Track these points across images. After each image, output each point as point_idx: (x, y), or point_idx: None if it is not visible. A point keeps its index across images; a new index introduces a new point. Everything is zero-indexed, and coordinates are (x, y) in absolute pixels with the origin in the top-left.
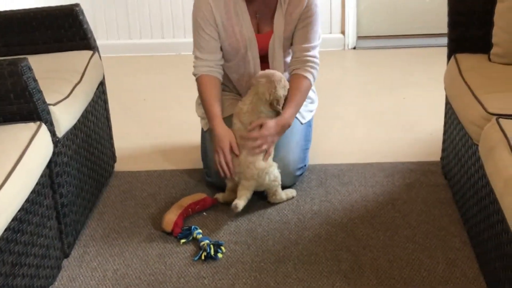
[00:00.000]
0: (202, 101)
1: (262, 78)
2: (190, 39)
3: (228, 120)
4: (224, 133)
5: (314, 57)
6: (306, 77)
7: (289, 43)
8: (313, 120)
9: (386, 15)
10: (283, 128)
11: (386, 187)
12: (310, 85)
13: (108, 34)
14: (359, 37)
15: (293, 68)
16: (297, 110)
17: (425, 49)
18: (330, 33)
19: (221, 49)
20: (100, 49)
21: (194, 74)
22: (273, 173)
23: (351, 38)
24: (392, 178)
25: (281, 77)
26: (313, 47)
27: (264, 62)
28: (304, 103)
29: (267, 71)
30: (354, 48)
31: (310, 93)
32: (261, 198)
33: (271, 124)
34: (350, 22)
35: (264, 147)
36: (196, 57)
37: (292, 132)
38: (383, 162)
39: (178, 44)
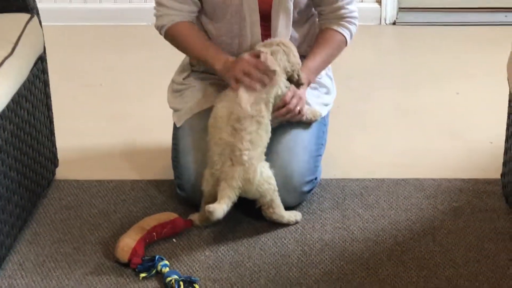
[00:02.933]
0: (189, 49)
1: (265, 46)
2: None
3: (207, 115)
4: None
5: (351, 11)
6: (339, 32)
7: (301, 6)
8: (328, 118)
9: None
10: (307, 81)
11: (425, 212)
12: (345, 42)
13: None
14: (400, 9)
15: (323, 26)
16: (323, 67)
17: (488, 27)
18: (362, 1)
19: (200, 1)
20: (42, 14)
21: (160, 26)
22: (267, 170)
23: (390, 10)
24: (434, 200)
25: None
26: (348, 2)
27: (265, 22)
28: (317, 93)
29: (267, 40)
30: (394, 23)
31: (326, 80)
32: (254, 219)
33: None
34: None
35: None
36: (159, 4)
37: (298, 131)
38: (422, 178)
39: (150, 10)
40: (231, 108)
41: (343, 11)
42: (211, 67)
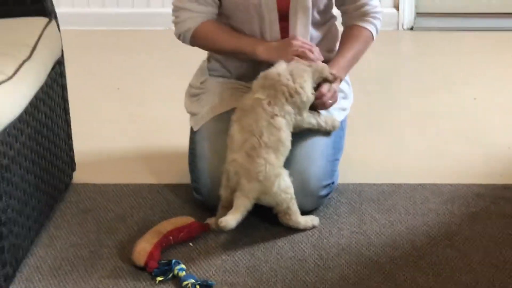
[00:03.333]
0: (222, 44)
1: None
2: None
3: (228, 117)
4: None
5: (374, 6)
6: (365, 28)
7: (321, 6)
8: (346, 123)
9: None
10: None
11: (442, 217)
12: (371, 38)
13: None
14: (418, 14)
15: (348, 23)
16: (352, 63)
17: (506, 33)
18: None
19: (220, 2)
20: (60, 19)
21: (183, 32)
22: (285, 180)
23: (407, 15)
24: (452, 206)
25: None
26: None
27: (284, 22)
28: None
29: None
30: (411, 28)
31: (343, 85)
32: (270, 224)
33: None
34: None
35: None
36: (178, 8)
37: (315, 136)
38: (440, 183)
39: (167, 15)
40: (246, 135)
41: (366, 8)
42: (250, 54)
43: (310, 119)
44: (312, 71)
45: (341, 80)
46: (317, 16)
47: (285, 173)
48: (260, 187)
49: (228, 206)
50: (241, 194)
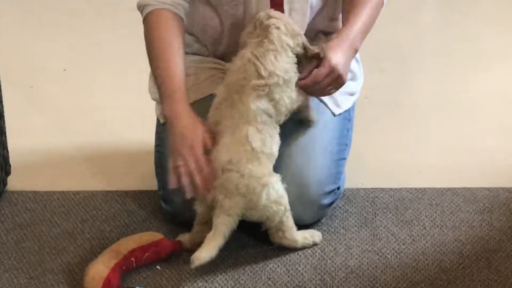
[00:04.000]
0: (151, 53)
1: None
2: None
3: (204, 105)
4: (192, 122)
5: None
6: None
7: None
8: (354, 111)
9: None
10: (349, 52)
11: (477, 230)
12: (382, 1)
13: None
14: None
15: None
16: (366, 31)
17: None
18: None
19: None
20: None
21: (141, 6)
22: (276, 188)
23: None
24: (489, 216)
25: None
26: None
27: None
28: None
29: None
30: None
31: (352, 63)
32: (260, 241)
33: (334, 45)
34: None
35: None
36: None
37: (316, 128)
38: (474, 187)
39: None
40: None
41: None
42: (161, 101)
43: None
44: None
45: (355, 51)
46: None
47: (275, 180)
48: (244, 201)
49: (206, 222)
50: (220, 212)
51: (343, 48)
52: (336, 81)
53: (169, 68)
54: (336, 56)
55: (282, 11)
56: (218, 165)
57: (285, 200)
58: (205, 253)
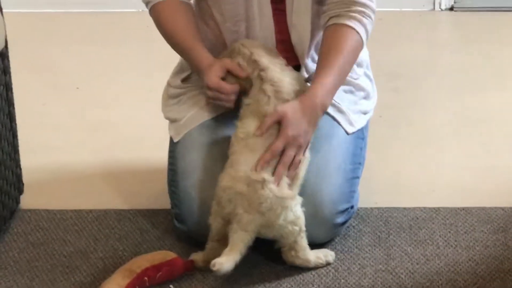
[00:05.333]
0: (169, 35)
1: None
2: None
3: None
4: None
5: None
6: (351, 28)
7: None
8: (368, 130)
9: None
10: (315, 112)
11: (492, 250)
12: (360, 43)
13: None
14: None
15: (330, 16)
16: (338, 82)
17: None
18: None
19: None
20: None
21: (147, 1)
22: (294, 210)
23: None
24: (504, 236)
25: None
26: None
27: (279, 5)
28: (353, 98)
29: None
30: (451, 8)
31: (364, 81)
32: (273, 260)
33: (291, 109)
34: None
35: (297, 158)
36: None
37: (329, 147)
38: (489, 207)
39: None
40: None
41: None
42: (197, 69)
43: None
44: None
45: (324, 108)
46: None
47: (295, 203)
48: (262, 219)
49: (220, 239)
50: (238, 228)
51: (304, 112)
52: (295, 142)
53: (187, 33)
54: (294, 122)
55: (286, 27)
56: (250, 175)
57: (301, 221)
58: (225, 261)
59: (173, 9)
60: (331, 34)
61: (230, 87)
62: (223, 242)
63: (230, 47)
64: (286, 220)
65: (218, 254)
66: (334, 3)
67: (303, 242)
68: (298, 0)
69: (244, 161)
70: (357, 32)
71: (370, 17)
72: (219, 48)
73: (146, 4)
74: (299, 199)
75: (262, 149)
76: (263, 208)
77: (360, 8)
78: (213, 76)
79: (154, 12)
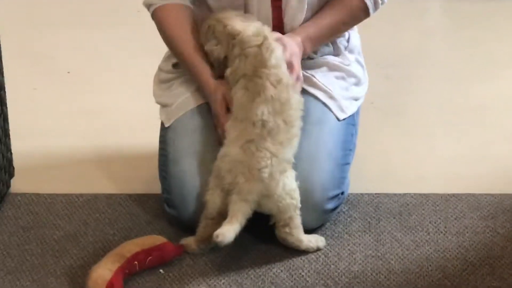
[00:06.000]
0: (170, 41)
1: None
2: None
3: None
4: (216, 85)
5: None
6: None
7: None
8: (359, 116)
9: None
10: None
11: (482, 237)
12: (364, 11)
13: None
14: None
15: None
16: (327, 35)
17: None
18: None
19: None
20: None
21: (148, 3)
22: (290, 180)
23: None
24: (494, 222)
25: None
26: None
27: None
28: (344, 84)
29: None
30: None
31: (356, 67)
32: (264, 244)
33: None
34: None
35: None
36: None
37: (320, 133)
38: (478, 193)
39: None
40: (240, 125)
41: None
42: (198, 80)
43: None
44: None
45: (305, 54)
46: None
47: (292, 174)
48: (263, 187)
49: (214, 217)
50: (238, 198)
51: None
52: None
53: (187, 44)
54: (288, 44)
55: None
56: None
57: (297, 195)
58: (227, 231)
59: (176, 15)
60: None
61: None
62: (217, 220)
63: (204, 25)
64: (284, 189)
65: (210, 233)
66: None
67: (298, 220)
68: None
69: (234, 128)
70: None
71: None
72: None
73: (148, 7)
74: (293, 172)
75: (243, 104)
76: (263, 173)
77: None
78: (220, 109)
79: (157, 17)
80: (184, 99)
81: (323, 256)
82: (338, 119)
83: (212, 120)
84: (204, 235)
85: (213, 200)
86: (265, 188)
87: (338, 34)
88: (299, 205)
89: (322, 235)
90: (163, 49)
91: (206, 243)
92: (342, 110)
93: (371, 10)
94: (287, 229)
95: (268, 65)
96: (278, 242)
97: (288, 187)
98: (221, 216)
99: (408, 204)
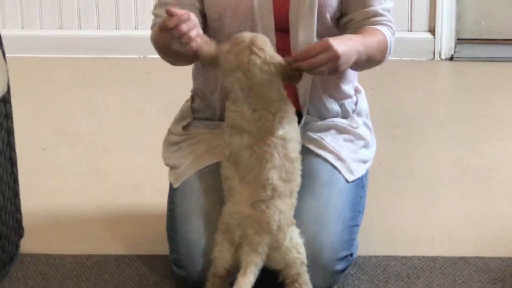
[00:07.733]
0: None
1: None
2: None
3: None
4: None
5: (389, 20)
6: (379, 30)
7: (331, 10)
8: (367, 178)
9: (507, 4)
10: (355, 48)
11: None
12: (386, 45)
13: (23, 19)
14: (459, 41)
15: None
16: (362, 54)
17: None
18: (410, 30)
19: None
20: (6, 43)
21: (155, 15)
22: (296, 237)
23: (446, 41)
24: (501, 286)
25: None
26: (385, 10)
27: (284, 33)
28: (353, 147)
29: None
30: (451, 58)
31: (363, 130)
32: None
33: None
34: (445, 14)
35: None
36: (156, 16)
37: (330, 194)
38: (487, 257)
39: (143, 39)
40: (248, 187)
41: (379, 18)
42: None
43: None
44: None
45: (349, 61)
46: (331, 23)
47: (295, 228)
48: (272, 238)
49: (223, 275)
50: (249, 249)
51: (346, 41)
52: (331, 61)
53: None
54: (336, 41)
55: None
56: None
57: (303, 250)
58: (243, 282)
59: None
60: (362, 28)
61: (182, 13)
62: (224, 278)
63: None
64: (291, 242)
65: None
66: (356, 25)
67: (306, 276)
68: (302, 25)
69: (243, 189)
70: (383, 33)
71: (392, 28)
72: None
73: (155, 16)
74: (297, 229)
75: (250, 166)
76: (272, 226)
77: (383, 21)
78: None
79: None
80: (192, 160)
81: None
82: (347, 181)
83: (220, 182)
84: None
85: (222, 256)
86: (274, 240)
87: (369, 61)
88: (305, 261)
89: None
90: (172, 110)
91: None
92: (351, 172)
93: (389, 46)
94: (296, 285)
95: (276, 135)
96: None
97: (294, 241)
98: (229, 274)
99: (416, 267)
